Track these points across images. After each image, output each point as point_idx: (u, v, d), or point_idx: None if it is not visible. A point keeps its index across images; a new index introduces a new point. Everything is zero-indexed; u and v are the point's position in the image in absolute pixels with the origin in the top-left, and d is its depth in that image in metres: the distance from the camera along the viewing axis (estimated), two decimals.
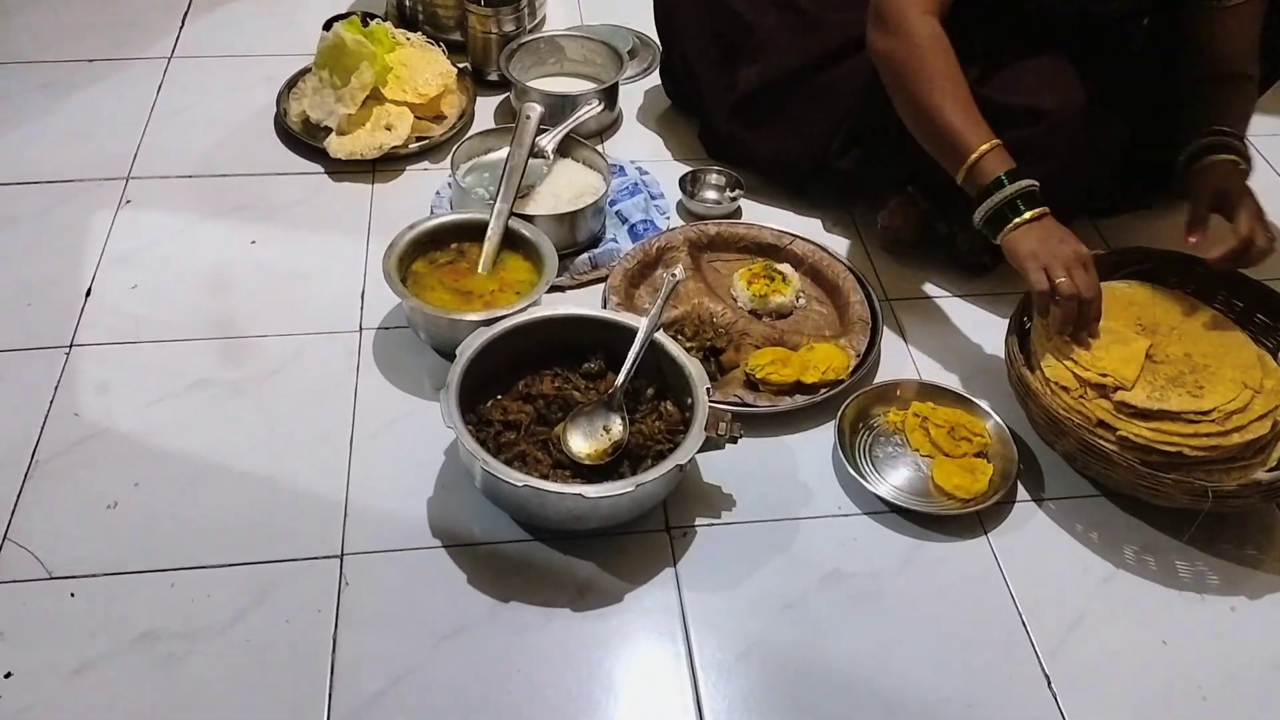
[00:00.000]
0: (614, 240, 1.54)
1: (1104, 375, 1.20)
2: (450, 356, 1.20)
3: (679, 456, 1.11)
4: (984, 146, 1.23)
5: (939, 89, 1.27)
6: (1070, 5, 1.41)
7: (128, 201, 1.56)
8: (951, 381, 1.35)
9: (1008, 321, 1.30)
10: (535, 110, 1.49)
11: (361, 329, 1.39)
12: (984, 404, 1.30)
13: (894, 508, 1.20)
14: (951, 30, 1.36)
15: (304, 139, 1.66)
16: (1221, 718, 1.05)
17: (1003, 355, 1.29)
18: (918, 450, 1.27)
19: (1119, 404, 1.18)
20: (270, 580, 1.10)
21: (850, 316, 1.41)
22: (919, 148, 1.44)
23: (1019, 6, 1.43)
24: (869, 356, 1.36)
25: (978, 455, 1.25)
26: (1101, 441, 1.16)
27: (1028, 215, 1.22)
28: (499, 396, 1.25)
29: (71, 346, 1.33)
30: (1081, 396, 1.20)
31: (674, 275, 1.26)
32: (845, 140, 1.54)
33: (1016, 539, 1.19)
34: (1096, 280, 1.21)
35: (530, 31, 1.88)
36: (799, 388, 1.30)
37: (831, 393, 1.30)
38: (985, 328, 1.43)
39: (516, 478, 1.07)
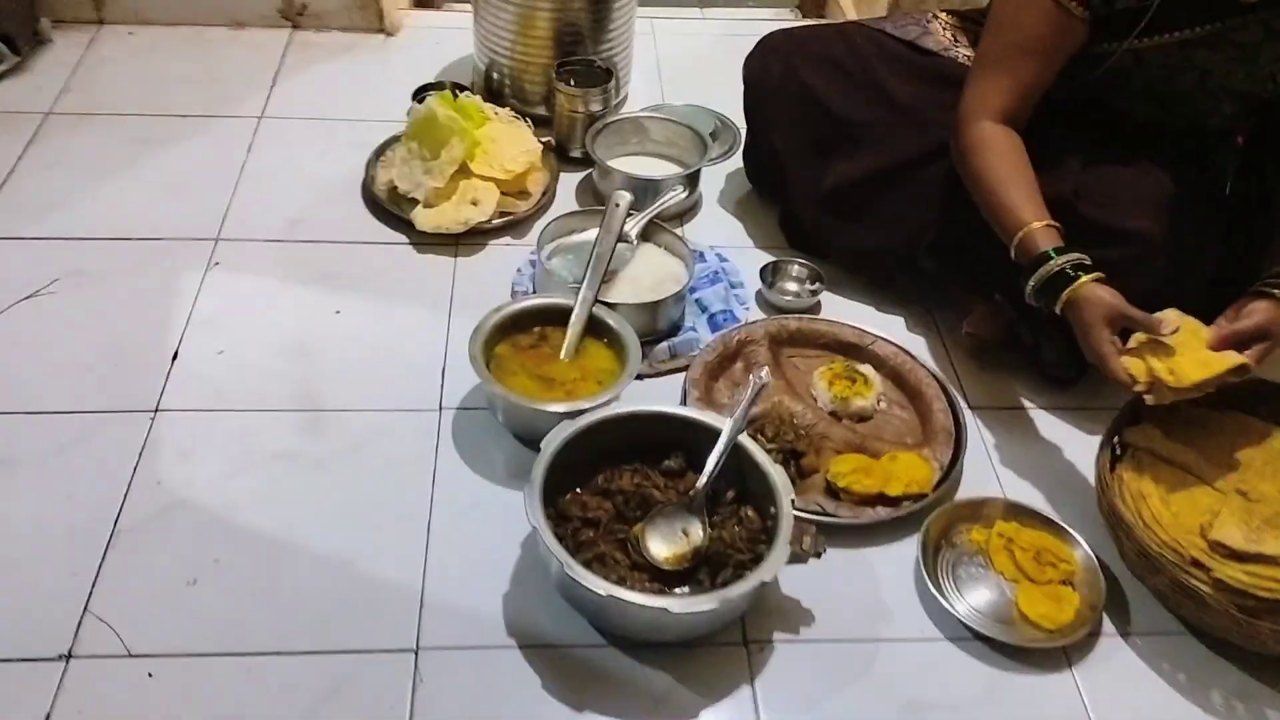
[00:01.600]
0: (693, 329, 1.53)
1: (1171, 372, 1.18)
2: (528, 442, 1.20)
3: (763, 573, 1.09)
4: (1036, 223, 1.28)
5: (997, 170, 1.33)
6: (1170, 116, 1.40)
7: (216, 264, 1.57)
8: (1037, 500, 1.32)
9: (1099, 440, 1.28)
10: (625, 198, 1.50)
11: (441, 408, 1.39)
12: (1070, 528, 1.27)
13: (977, 634, 1.18)
14: (1046, 141, 1.37)
15: (390, 208, 1.68)
16: None
17: (1092, 476, 1.28)
18: (1001, 573, 1.24)
19: (1214, 544, 1.15)
20: (345, 672, 1.09)
21: (933, 425, 1.39)
22: (1006, 252, 1.44)
23: (1116, 117, 1.42)
24: (953, 470, 1.34)
25: (1064, 583, 1.23)
26: (1195, 582, 1.13)
27: (1085, 279, 1.23)
28: (578, 490, 1.24)
29: (157, 411, 1.34)
30: (1147, 391, 1.20)
31: (760, 379, 1.25)
32: (934, 240, 1.53)
33: (1102, 675, 1.16)
34: (1109, 362, 1.21)
35: (614, 110, 1.90)
36: (881, 499, 1.28)
37: (915, 507, 1.28)
38: (1072, 444, 1.41)
39: (601, 586, 1.06)
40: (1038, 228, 1.28)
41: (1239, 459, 1.25)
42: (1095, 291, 1.22)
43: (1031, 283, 1.27)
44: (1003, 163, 1.34)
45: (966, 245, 1.50)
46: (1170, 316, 1.23)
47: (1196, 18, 1.30)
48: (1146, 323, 1.21)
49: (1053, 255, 1.26)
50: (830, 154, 1.61)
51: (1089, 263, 1.25)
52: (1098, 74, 1.38)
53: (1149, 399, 1.21)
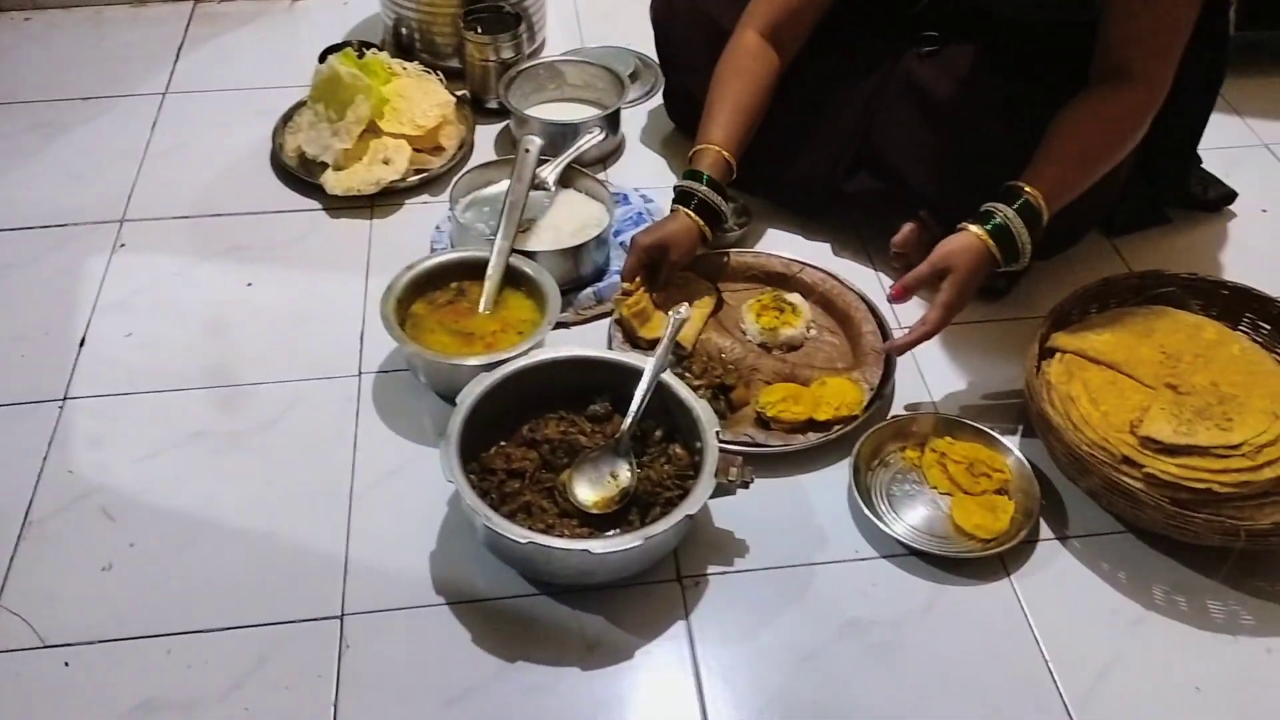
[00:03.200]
0: (618, 273, 1.49)
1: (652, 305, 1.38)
2: (453, 400, 1.17)
3: (688, 506, 1.07)
4: (714, 146, 1.40)
5: (723, 83, 1.43)
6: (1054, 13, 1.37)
7: (122, 245, 1.53)
8: (969, 414, 1.30)
9: (1025, 348, 1.26)
10: (534, 142, 1.46)
11: (361, 373, 1.35)
12: (1003, 438, 1.26)
13: (913, 550, 1.16)
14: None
15: (300, 175, 1.63)
16: None
17: (1022, 385, 1.26)
18: (936, 488, 1.23)
19: (1144, 439, 1.14)
20: (269, 644, 1.06)
21: (863, 348, 1.37)
22: (927, 170, 1.41)
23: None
24: (883, 391, 1.31)
25: (998, 492, 1.21)
26: (1127, 479, 1.12)
27: (681, 209, 1.38)
28: (502, 443, 1.21)
29: (65, 399, 1.30)
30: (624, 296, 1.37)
31: (679, 313, 1.23)
32: (853, 163, 1.50)
33: (1041, 580, 1.15)
34: (631, 261, 1.37)
35: (530, 57, 1.85)
36: (811, 425, 1.26)
37: (845, 429, 1.26)
38: (1001, 355, 1.39)
39: (520, 534, 1.03)
40: (712, 149, 1.39)
41: (1169, 353, 1.23)
42: (676, 220, 1.38)
43: (675, 185, 1.41)
44: (732, 78, 1.42)
45: (888, 164, 1.47)
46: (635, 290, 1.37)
47: None
48: (663, 277, 1.40)
49: (702, 176, 1.38)
50: None
51: (708, 202, 1.38)
52: None
53: (619, 303, 1.37)
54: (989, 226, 1.24)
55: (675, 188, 1.42)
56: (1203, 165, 1.63)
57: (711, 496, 1.09)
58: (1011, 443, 1.25)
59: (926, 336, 1.27)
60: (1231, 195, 1.63)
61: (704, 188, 1.38)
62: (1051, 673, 1.07)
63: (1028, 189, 1.23)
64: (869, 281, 1.50)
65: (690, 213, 1.38)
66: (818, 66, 1.51)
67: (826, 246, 1.57)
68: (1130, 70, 1.25)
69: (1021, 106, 1.34)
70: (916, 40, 1.46)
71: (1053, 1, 1.35)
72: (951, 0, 1.42)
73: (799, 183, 1.55)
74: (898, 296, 1.29)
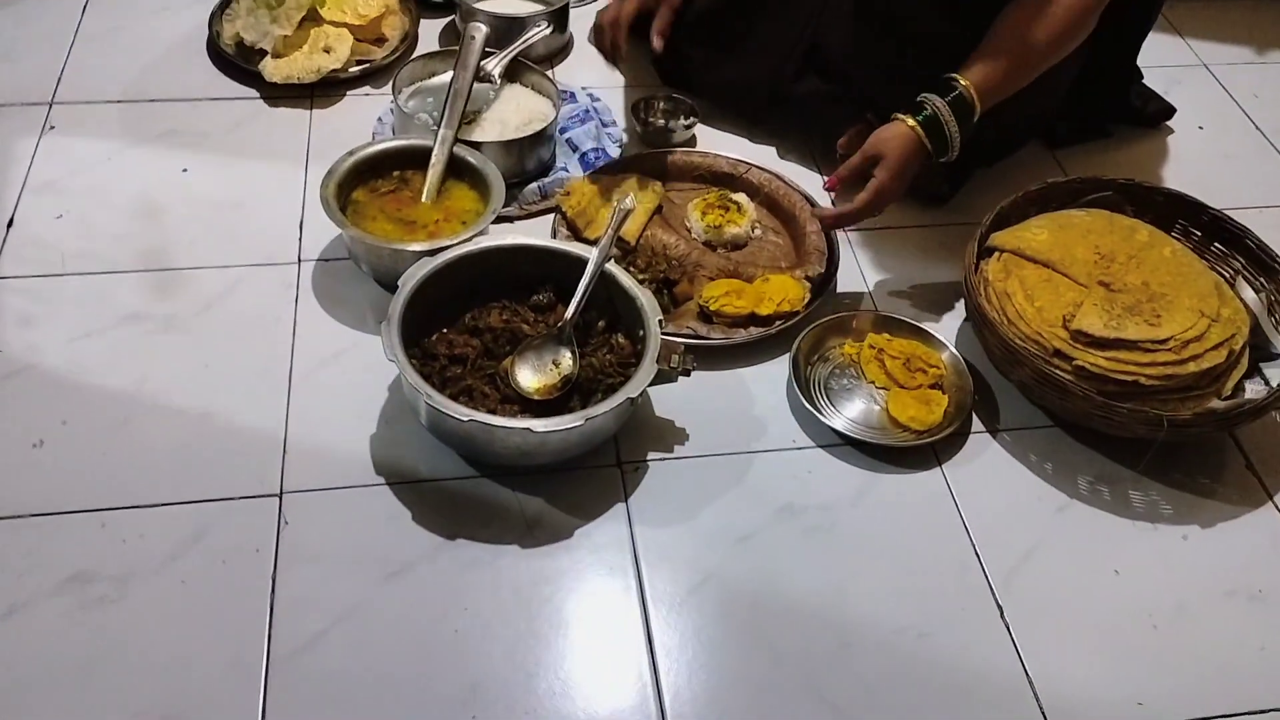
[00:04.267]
0: (564, 169, 1.49)
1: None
2: (393, 289, 1.16)
3: (630, 390, 1.08)
4: None
5: None
6: None
7: (51, 127, 1.48)
8: (908, 312, 1.32)
9: (966, 249, 1.28)
10: (480, 30, 1.43)
11: (300, 260, 1.33)
12: (939, 335, 1.28)
13: (849, 440, 1.18)
14: None
15: (238, 62, 1.59)
16: (1172, 646, 1.05)
17: (960, 285, 1.28)
18: (873, 382, 1.25)
19: (1075, 333, 1.16)
20: (206, 520, 1.06)
21: (806, 247, 1.38)
22: (873, 71, 1.41)
23: None
24: (825, 288, 1.33)
25: (933, 387, 1.23)
26: (1058, 371, 1.15)
27: None
28: (444, 330, 1.21)
29: None
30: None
31: (624, 206, 1.22)
32: (801, 65, 1.49)
33: (971, 470, 1.18)
34: (616, 16, 1.44)
35: None
36: (753, 320, 1.27)
37: (786, 325, 1.27)
38: (942, 258, 1.41)
39: (462, 412, 1.03)
40: None
41: (1103, 254, 1.26)
42: None
43: None
44: None
45: (836, 66, 1.47)
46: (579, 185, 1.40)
47: None
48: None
49: None
50: None
51: None
52: None
53: (562, 200, 1.40)
54: (920, 117, 1.24)
55: None
56: (1143, 80, 1.66)
57: (653, 383, 1.10)
58: (947, 340, 1.28)
59: (854, 216, 1.28)
60: (1170, 110, 1.66)
61: None
62: (978, 554, 1.10)
63: (962, 81, 1.24)
64: (814, 185, 1.50)
65: None
66: None
67: (771, 150, 1.57)
68: None
69: (966, 5, 1.34)
70: None
71: None
72: None
73: (746, 85, 1.54)
74: (832, 187, 1.30)
